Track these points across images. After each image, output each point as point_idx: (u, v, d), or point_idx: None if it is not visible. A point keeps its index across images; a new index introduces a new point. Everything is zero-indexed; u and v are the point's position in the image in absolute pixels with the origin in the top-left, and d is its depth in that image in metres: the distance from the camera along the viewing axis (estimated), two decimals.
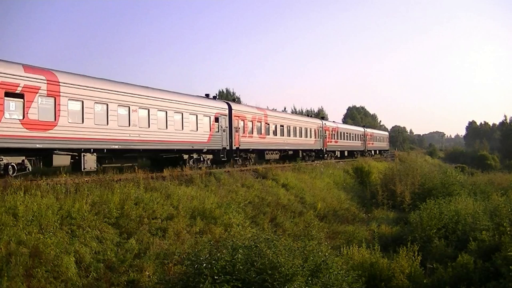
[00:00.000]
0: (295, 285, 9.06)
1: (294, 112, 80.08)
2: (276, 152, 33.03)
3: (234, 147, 26.55)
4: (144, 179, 16.06)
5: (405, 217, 22.66)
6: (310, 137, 39.08)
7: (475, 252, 14.16)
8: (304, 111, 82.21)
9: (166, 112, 21.15)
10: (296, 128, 36.06)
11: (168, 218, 14.05)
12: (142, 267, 11.16)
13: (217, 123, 25.09)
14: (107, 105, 17.97)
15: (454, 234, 17.36)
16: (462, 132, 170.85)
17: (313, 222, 20.22)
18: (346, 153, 49.18)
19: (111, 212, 12.58)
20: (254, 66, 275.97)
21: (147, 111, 20.05)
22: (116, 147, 18.45)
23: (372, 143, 61.40)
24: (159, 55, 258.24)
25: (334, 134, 45.47)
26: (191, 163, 22.90)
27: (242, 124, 27.91)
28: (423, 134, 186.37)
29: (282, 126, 33.59)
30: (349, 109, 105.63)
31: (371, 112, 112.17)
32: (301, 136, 36.99)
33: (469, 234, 15.94)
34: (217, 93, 67.57)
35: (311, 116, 48.24)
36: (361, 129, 58.71)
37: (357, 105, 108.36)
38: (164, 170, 19.57)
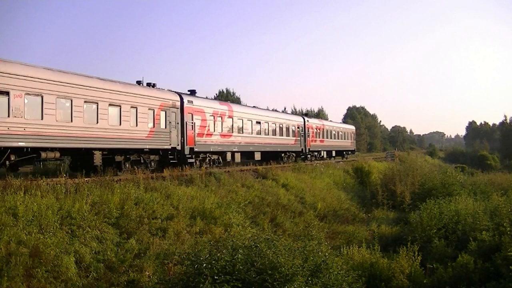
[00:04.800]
0: (295, 285, 9.06)
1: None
2: None
3: None
4: (144, 179, 16.07)
5: (405, 217, 22.67)
6: (151, 127, 20.09)
7: (475, 252, 14.16)
8: (304, 111, 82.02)
9: None
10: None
11: (168, 218, 14.06)
12: (142, 267, 11.16)
13: None
14: None
15: (454, 234, 17.38)
16: (462, 132, 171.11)
17: (313, 222, 20.23)
18: (237, 157, 27.25)
19: (111, 212, 12.58)
20: (254, 66, 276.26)
21: None
22: None
23: (322, 141, 42.09)
24: (159, 55, 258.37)
25: (214, 123, 24.93)
26: None
27: None
28: (423, 134, 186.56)
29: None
30: (349, 109, 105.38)
31: (371, 112, 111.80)
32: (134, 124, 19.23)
33: (469, 234, 15.94)
34: (217, 93, 67.62)
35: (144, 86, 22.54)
36: (297, 118, 38.37)
37: (357, 105, 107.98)
38: (164, 170, 19.56)
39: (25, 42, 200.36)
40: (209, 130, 24.41)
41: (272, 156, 31.82)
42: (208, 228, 14.66)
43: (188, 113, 22.70)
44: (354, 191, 31.04)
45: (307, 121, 39.09)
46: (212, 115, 24.79)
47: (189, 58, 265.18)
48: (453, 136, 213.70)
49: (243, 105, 32.47)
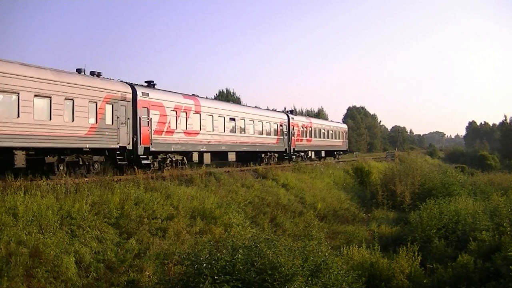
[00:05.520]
0: (295, 285, 9.07)
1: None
2: None
3: None
4: (144, 179, 16.07)
5: (405, 217, 22.67)
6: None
7: (475, 252, 14.18)
8: (304, 111, 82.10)
9: None
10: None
11: (168, 218, 14.06)
12: (142, 267, 11.16)
13: None
14: None
15: (454, 234, 17.40)
16: (462, 132, 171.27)
17: (313, 222, 20.21)
18: (206, 158, 24.25)
19: (111, 212, 12.59)
20: (254, 66, 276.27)
21: None
22: None
23: (309, 140, 38.58)
24: (159, 55, 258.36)
25: (176, 119, 22.06)
26: None
27: None
28: (423, 134, 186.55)
29: None
30: (349, 109, 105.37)
31: (371, 112, 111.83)
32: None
33: (469, 234, 15.97)
34: (217, 93, 67.67)
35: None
36: (280, 115, 34.75)
37: (357, 105, 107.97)
38: (164, 170, 19.57)
39: (25, 42, 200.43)
40: (170, 127, 21.30)
41: (250, 157, 29.16)
42: (208, 228, 14.66)
43: (143, 107, 19.72)
44: (354, 191, 31.04)
45: (292, 118, 35.66)
46: (174, 110, 21.77)
47: (189, 58, 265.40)
48: (453, 136, 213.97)
49: (214, 100, 26.89)
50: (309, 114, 77.68)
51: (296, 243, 12.30)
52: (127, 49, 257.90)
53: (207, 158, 24.23)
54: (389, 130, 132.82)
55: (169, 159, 21.46)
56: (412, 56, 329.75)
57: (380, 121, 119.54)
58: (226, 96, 64.77)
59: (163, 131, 20.83)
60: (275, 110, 37.63)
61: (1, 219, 10.14)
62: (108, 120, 18.07)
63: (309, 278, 9.64)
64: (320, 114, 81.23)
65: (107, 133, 17.93)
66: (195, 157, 23.30)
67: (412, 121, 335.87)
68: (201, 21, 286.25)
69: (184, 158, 22.56)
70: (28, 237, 10.03)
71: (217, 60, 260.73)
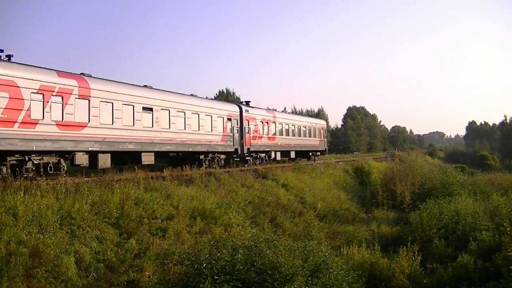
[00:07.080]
0: (295, 285, 9.07)
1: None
2: None
3: None
4: (144, 179, 16.08)
5: (405, 217, 22.67)
6: None
7: (475, 252, 14.17)
8: (304, 111, 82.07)
9: None
10: None
11: (168, 218, 14.07)
12: (142, 267, 11.17)
13: None
14: None
15: (454, 234, 17.40)
16: (462, 132, 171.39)
17: (313, 222, 20.22)
18: (102, 160, 17.84)
19: (111, 212, 12.59)
20: (254, 66, 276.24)
21: None
22: None
23: (272, 138, 31.73)
24: (159, 55, 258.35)
25: (44, 105, 15.61)
26: None
27: None
28: (423, 134, 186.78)
29: None
30: (349, 109, 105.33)
31: (371, 112, 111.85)
32: None
33: (469, 234, 15.96)
34: (217, 93, 67.66)
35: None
36: (227, 106, 28.21)
37: (357, 105, 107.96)
38: (164, 170, 19.58)
39: (25, 42, 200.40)
40: (30, 116, 15.04)
41: (183, 159, 22.72)
42: (208, 228, 14.66)
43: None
44: (354, 191, 31.04)
45: (246, 111, 28.62)
46: (39, 93, 15.44)
47: (189, 58, 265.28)
48: (453, 136, 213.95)
49: (115, 82, 19.78)
50: (309, 114, 77.45)
51: (296, 243, 12.31)
52: (127, 49, 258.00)
53: (104, 160, 18.05)
54: (389, 130, 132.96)
55: (31, 160, 15.42)
56: (412, 56, 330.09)
57: (380, 121, 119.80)
58: (226, 96, 64.70)
59: (16, 121, 14.66)
60: (223, 101, 29.62)
61: (1, 219, 10.15)
62: None
63: (309, 278, 9.63)
64: (320, 114, 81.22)
65: None
66: (81, 159, 17.13)
67: (412, 121, 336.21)
68: (201, 21, 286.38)
69: (61, 160, 16.68)
70: (28, 237, 10.03)
71: (217, 60, 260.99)
